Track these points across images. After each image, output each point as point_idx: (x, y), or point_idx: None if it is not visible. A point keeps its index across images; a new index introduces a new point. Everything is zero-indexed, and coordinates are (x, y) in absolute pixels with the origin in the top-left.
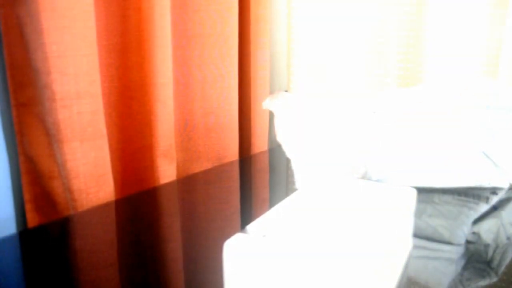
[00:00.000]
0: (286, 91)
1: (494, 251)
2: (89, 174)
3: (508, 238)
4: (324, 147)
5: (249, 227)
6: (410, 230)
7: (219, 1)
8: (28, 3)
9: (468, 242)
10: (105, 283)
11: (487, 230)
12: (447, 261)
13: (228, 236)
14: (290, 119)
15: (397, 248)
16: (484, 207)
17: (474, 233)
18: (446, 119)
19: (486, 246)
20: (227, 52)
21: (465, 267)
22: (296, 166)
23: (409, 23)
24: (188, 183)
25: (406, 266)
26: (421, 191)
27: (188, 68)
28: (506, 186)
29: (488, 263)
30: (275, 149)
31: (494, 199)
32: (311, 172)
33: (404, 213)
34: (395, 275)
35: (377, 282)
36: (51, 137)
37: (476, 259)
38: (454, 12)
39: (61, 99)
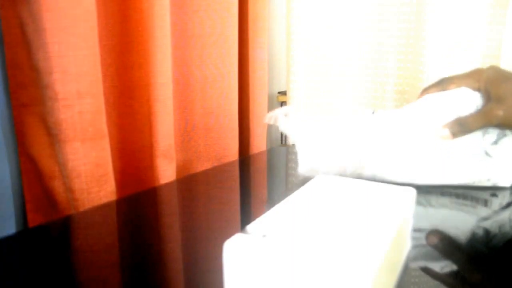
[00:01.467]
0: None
1: (489, 242)
2: (90, 174)
3: (504, 234)
4: (324, 147)
5: (249, 227)
6: (409, 230)
7: (219, 1)
8: (30, 3)
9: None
10: (105, 283)
11: (485, 228)
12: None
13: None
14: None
15: (396, 248)
16: (482, 210)
17: (472, 230)
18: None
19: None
20: (226, 52)
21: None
22: (301, 154)
23: (409, 23)
24: (188, 183)
25: (405, 266)
26: (420, 190)
27: (188, 68)
28: (507, 185)
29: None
30: (275, 149)
31: (494, 202)
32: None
33: (403, 213)
34: (394, 275)
35: (376, 281)
36: (52, 137)
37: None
38: (454, 12)
39: (63, 99)
